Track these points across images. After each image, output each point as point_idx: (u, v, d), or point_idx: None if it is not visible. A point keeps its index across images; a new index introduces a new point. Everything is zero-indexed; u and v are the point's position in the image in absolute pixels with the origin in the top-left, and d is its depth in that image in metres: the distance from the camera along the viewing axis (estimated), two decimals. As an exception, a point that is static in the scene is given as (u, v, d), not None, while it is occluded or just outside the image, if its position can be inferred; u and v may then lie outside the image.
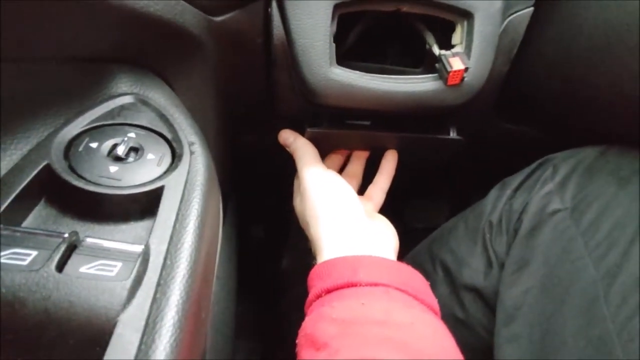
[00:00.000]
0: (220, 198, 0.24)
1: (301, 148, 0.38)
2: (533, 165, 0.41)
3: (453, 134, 0.39)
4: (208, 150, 0.24)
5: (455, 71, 0.33)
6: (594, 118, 0.40)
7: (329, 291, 0.26)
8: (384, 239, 0.33)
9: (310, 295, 0.28)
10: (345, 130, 0.39)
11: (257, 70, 0.37)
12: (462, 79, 0.35)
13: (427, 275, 0.43)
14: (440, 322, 0.27)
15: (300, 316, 0.29)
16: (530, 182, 0.39)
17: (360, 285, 0.26)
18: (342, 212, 0.32)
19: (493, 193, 0.42)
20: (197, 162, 0.21)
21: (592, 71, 0.36)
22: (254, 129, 0.54)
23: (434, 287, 0.42)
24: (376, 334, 0.23)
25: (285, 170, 0.55)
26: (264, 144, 0.58)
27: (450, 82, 0.34)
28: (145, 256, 0.16)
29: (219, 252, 0.47)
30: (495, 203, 0.41)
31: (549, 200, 0.36)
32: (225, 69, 0.35)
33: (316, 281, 0.28)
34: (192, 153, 0.22)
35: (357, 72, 0.34)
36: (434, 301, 0.28)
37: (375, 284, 0.26)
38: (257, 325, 0.66)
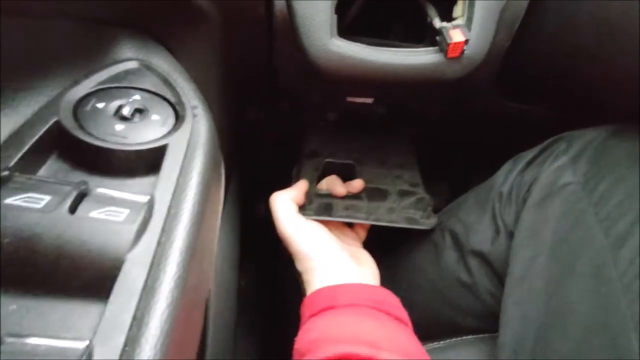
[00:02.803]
0: (222, 161, 0.25)
1: (276, 202, 0.40)
2: (547, 142, 0.41)
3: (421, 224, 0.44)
4: (210, 114, 0.24)
5: (455, 43, 0.34)
6: (598, 94, 0.40)
7: (313, 315, 0.32)
8: (364, 270, 0.38)
9: (301, 324, 0.33)
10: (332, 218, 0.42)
11: (259, 42, 0.37)
12: (462, 52, 0.35)
13: (434, 244, 0.45)
14: (406, 330, 0.32)
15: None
16: (542, 157, 0.40)
17: (338, 307, 0.31)
18: (331, 263, 0.36)
19: (505, 167, 0.43)
20: (199, 124, 0.22)
21: (596, 45, 0.36)
22: (257, 105, 0.54)
23: (440, 254, 0.44)
24: (348, 337, 0.28)
25: (289, 150, 0.56)
26: (268, 123, 0.59)
27: (450, 55, 0.34)
28: (150, 204, 0.17)
29: (222, 227, 0.48)
30: (507, 176, 0.41)
31: (561, 174, 0.37)
32: (228, 40, 0.35)
33: (304, 310, 0.34)
34: (194, 116, 0.23)
35: (358, 44, 0.34)
36: (403, 314, 0.34)
37: (351, 305, 0.31)
38: (258, 301, 0.68)
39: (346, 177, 0.47)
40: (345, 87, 0.43)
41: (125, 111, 0.20)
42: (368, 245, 0.45)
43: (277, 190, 0.47)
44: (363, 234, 0.45)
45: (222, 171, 0.26)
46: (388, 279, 0.49)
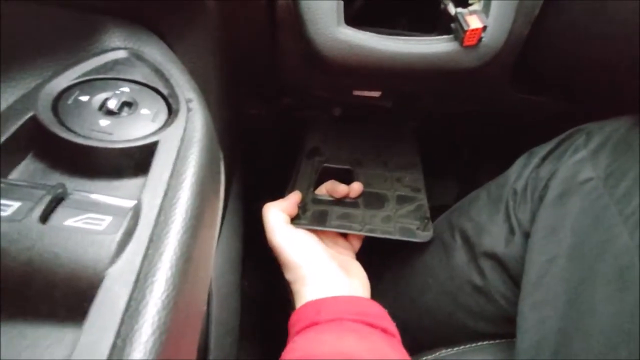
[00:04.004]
0: (221, 157, 0.23)
1: (267, 214, 0.40)
2: (563, 135, 0.39)
3: (417, 236, 0.42)
4: (207, 108, 0.22)
5: (472, 30, 0.31)
6: (620, 85, 0.38)
7: (297, 333, 0.32)
8: (353, 281, 0.37)
9: (287, 341, 0.33)
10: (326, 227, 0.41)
11: (261, 32, 0.35)
12: (480, 40, 0.32)
13: (444, 244, 0.43)
14: (391, 341, 0.32)
15: None
16: (559, 151, 0.38)
17: (321, 323, 0.31)
18: (319, 272, 0.36)
19: (519, 162, 0.41)
20: (194, 118, 0.20)
21: (621, 35, 0.34)
22: (259, 101, 0.52)
23: (451, 255, 0.42)
24: (329, 355, 0.28)
25: (292, 146, 0.54)
26: (270, 119, 0.57)
27: (466, 43, 0.32)
28: (136, 210, 0.15)
29: (224, 228, 0.46)
30: (521, 171, 0.39)
31: (580, 169, 0.35)
32: (228, 31, 0.33)
33: (290, 327, 0.33)
34: (189, 110, 0.20)
35: (367, 32, 0.32)
36: (389, 325, 0.33)
37: (333, 320, 0.31)
38: (261, 301, 0.67)
39: (344, 181, 0.46)
40: (352, 80, 0.41)
41: (112, 104, 0.18)
42: (375, 244, 0.44)
43: (279, 188, 0.46)
44: (357, 244, 0.45)
45: (222, 170, 0.23)
46: (395, 280, 0.47)
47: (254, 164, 0.62)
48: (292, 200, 0.42)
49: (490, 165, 0.63)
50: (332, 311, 0.33)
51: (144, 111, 0.19)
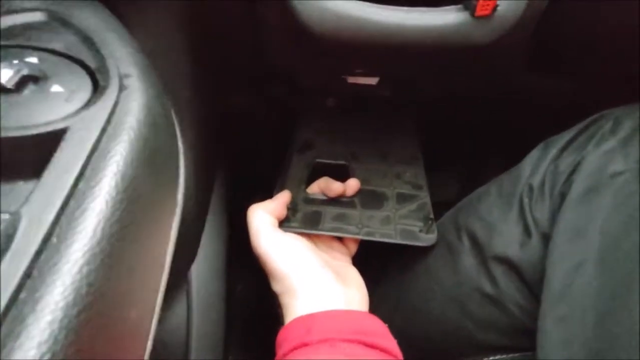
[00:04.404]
0: (179, 152, 0.18)
1: (251, 216, 0.36)
2: (585, 122, 0.35)
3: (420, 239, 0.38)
4: (155, 88, 0.17)
5: (485, -3, 0.26)
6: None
7: (284, 356, 0.28)
8: (350, 292, 0.34)
9: None
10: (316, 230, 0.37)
11: (240, 5, 0.30)
12: (494, 9, 0.28)
13: (449, 245, 0.39)
14: None
15: None
16: (581, 140, 0.34)
17: (311, 344, 0.28)
18: (310, 283, 0.33)
19: (534, 154, 0.37)
20: (129, 99, 0.15)
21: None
22: (245, 90, 0.47)
23: (458, 259, 0.38)
24: None
25: (283, 140, 0.49)
26: (258, 111, 0.52)
27: (479, 12, 0.27)
28: (8, 229, 0.09)
29: (207, 233, 0.41)
30: (537, 164, 0.35)
31: (610, 160, 0.31)
32: (198, 6, 0.28)
33: (277, 347, 0.30)
34: (123, 88, 0.15)
35: (361, 1, 0.27)
36: (389, 343, 0.30)
37: (325, 340, 0.28)
38: (256, 306, 0.63)
39: (339, 178, 0.42)
40: (346, 62, 0.36)
41: (5, 77, 0.13)
42: (374, 246, 0.39)
43: (272, 186, 0.41)
44: (353, 248, 0.41)
45: (180, 167, 0.18)
46: (395, 286, 0.43)
47: (240, 161, 0.58)
48: (281, 200, 0.38)
49: (497, 156, 0.59)
50: (324, 330, 0.29)
51: (56, 89, 0.14)
